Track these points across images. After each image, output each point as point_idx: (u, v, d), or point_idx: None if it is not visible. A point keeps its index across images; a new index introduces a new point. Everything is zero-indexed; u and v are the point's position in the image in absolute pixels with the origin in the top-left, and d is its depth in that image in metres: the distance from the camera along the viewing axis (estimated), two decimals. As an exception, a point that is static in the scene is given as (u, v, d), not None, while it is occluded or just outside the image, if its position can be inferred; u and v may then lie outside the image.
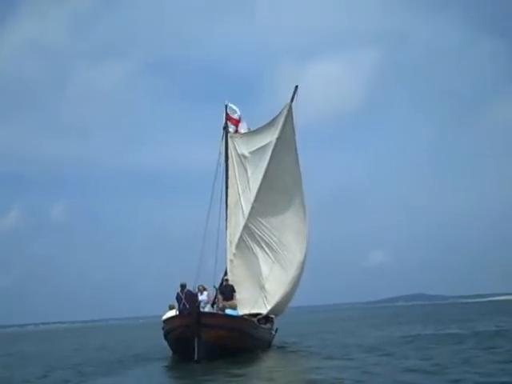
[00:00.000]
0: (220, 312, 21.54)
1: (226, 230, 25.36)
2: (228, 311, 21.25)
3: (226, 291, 22.79)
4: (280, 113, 24.54)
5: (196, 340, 18.65)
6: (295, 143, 24.49)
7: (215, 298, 23.83)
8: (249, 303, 23.80)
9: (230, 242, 25.26)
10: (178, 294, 21.26)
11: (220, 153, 25.92)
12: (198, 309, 19.71)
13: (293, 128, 24.31)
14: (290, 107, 24.25)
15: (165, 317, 21.64)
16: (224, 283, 23.44)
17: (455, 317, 47.08)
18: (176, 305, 21.23)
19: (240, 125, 26.50)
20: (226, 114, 26.44)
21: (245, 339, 20.59)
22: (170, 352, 21.82)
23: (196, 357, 18.53)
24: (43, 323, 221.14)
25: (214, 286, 24.04)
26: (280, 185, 24.69)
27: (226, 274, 24.97)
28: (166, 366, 20.11)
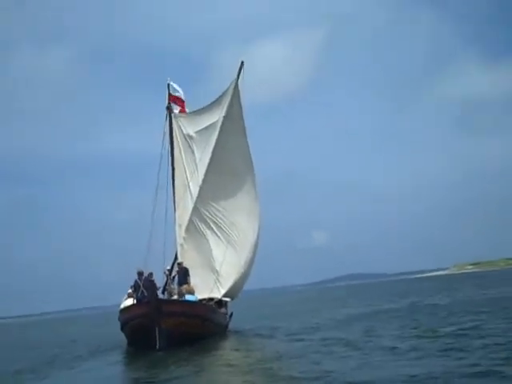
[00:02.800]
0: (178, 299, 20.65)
1: (175, 212, 24.41)
2: (187, 297, 20.41)
3: (181, 275, 21.90)
4: (226, 90, 23.73)
5: (157, 329, 17.80)
6: (243, 121, 23.71)
7: (166, 284, 22.98)
8: (202, 288, 22.96)
9: (180, 226, 24.35)
10: (135, 281, 20.26)
11: (164, 133, 24.88)
12: (157, 297, 18.85)
13: (240, 106, 23.52)
14: (237, 84, 23.44)
15: (122, 306, 20.51)
16: (178, 268, 22.42)
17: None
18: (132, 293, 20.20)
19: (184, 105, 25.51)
20: (169, 93, 25.38)
21: (205, 325, 19.93)
22: (125, 343, 20.81)
23: (158, 346, 17.68)
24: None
25: (165, 272, 23.11)
26: (229, 165, 23.90)
27: (176, 258, 24.12)
28: (127, 357, 19.08)
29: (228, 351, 18.24)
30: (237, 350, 18.16)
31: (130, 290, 21.10)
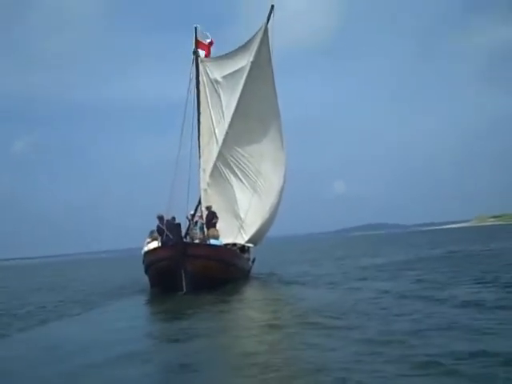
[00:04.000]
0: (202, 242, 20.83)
1: (200, 158, 24.38)
2: (212, 241, 20.57)
3: (208, 219, 22.00)
4: (255, 35, 23.27)
5: (183, 271, 18.03)
6: (272, 67, 23.30)
7: (188, 229, 23.15)
8: (226, 233, 23.10)
9: (204, 171, 24.34)
10: (158, 225, 20.40)
11: (191, 79, 24.64)
12: (182, 239, 19.01)
13: (269, 51, 23.07)
14: (266, 28, 22.99)
15: (146, 249, 20.73)
16: (208, 211, 22.43)
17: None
18: (158, 236, 20.36)
19: (211, 49, 25.15)
20: (196, 37, 25.03)
21: (229, 269, 20.10)
22: (148, 286, 21.10)
23: (184, 288, 17.93)
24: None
25: (187, 217, 23.26)
26: (256, 110, 23.65)
27: (199, 203, 24.23)
28: (153, 299, 19.32)
29: (252, 296, 18.47)
30: (258, 295, 18.39)
31: (148, 239, 21.21)
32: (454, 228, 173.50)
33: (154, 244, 20.35)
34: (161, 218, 20.51)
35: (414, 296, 13.64)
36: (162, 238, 20.02)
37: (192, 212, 23.64)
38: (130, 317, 14.55)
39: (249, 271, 23.62)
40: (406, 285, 16.37)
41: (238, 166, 24.12)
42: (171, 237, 19.33)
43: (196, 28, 25.15)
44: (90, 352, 9.86)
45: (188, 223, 23.40)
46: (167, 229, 19.79)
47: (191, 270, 18.01)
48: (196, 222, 23.62)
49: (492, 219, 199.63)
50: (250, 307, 15.07)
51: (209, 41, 25.10)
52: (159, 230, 20.23)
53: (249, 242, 23.85)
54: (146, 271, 20.73)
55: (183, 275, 17.98)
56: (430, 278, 17.81)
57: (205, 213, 22.52)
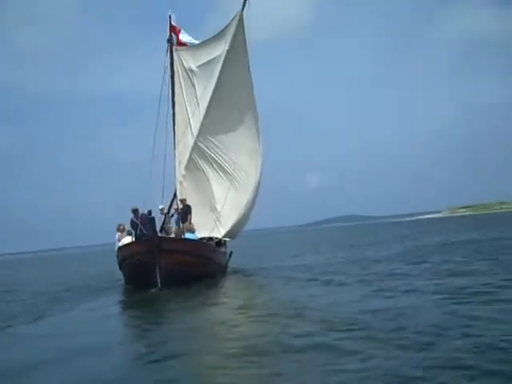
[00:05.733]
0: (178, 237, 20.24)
1: (175, 149, 23.74)
2: (187, 235, 19.99)
3: (183, 213, 21.42)
4: (230, 23, 22.65)
5: (158, 266, 17.43)
6: (248, 55, 22.68)
7: (163, 223, 22.56)
8: (202, 226, 22.54)
9: (179, 163, 23.71)
10: (131, 220, 19.70)
11: (165, 68, 23.94)
12: (157, 233, 18.42)
13: (244, 39, 22.45)
14: (241, 16, 22.37)
15: (120, 243, 20.04)
16: (182, 204, 21.86)
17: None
18: (131, 231, 19.69)
19: (181, 35, 24.34)
20: (170, 24, 24.31)
21: (205, 264, 19.54)
22: (122, 282, 20.51)
23: (159, 284, 17.34)
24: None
25: (161, 210, 22.54)
26: (232, 100, 23.04)
27: (175, 196, 23.62)
28: (127, 296, 18.74)
29: (228, 290, 18.02)
30: (237, 289, 17.95)
31: (117, 232, 20.57)
32: (425, 219, 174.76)
33: (128, 239, 19.66)
34: (135, 211, 19.84)
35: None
36: (135, 233, 19.35)
37: (162, 206, 22.88)
38: (102, 316, 13.95)
39: (226, 266, 23.05)
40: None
41: (213, 158, 23.53)
42: (145, 231, 18.71)
43: (170, 16, 24.39)
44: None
45: (163, 217, 22.79)
46: (141, 223, 19.16)
47: (166, 266, 17.42)
48: (171, 216, 23.04)
49: (463, 209, 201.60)
50: (225, 302, 14.69)
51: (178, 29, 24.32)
52: (133, 224, 19.55)
53: (225, 236, 23.31)
54: (120, 267, 20.09)
55: (158, 271, 17.37)
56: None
57: (180, 206, 21.91)
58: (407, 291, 12.80)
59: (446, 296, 11.49)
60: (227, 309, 13.41)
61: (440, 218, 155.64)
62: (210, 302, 14.68)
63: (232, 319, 11.52)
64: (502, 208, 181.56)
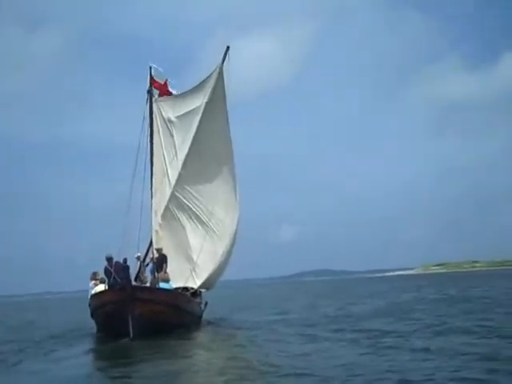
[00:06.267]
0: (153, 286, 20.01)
1: (152, 199, 23.73)
2: (162, 285, 19.78)
3: (158, 262, 21.26)
4: (210, 75, 23.13)
5: (130, 316, 17.14)
6: (226, 107, 23.11)
7: (139, 271, 22.30)
8: (178, 276, 22.34)
9: (156, 212, 23.69)
10: (105, 267, 19.47)
11: (144, 118, 24.16)
12: (131, 282, 18.20)
13: (224, 91, 22.91)
14: (221, 69, 22.86)
15: (93, 291, 19.75)
16: (158, 254, 21.73)
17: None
18: (105, 278, 19.42)
19: (166, 86, 24.65)
20: (151, 76, 24.60)
21: (179, 314, 19.33)
22: (94, 330, 20.15)
23: (131, 334, 17.02)
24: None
25: (137, 258, 22.30)
26: (209, 151, 23.30)
27: (150, 245, 23.45)
28: (98, 345, 18.36)
29: (200, 342, 17.72)
30: (210, 341, 17.67)
31: (91, 281, 20.34)
32: (399, 275, 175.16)
33: (101, 287, 19.39)
34: (109, 260, 19.62)
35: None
36: (109, 281, 19.10)
37: (139, 253, 22.70)
38: (72, 365, 13.67)
39: (200, 316, 22.77)
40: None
41: (190, 208, 23.57)
42: (118, 279, 18.49)
43: (151, 67, 24.72)
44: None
45: (138, 265, 22.56)
46: (115, 271, 18.94)
47: (139, 315, 17.14)
48: (147, 265, 22.82)
49: (436, 267, 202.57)
50: (197, 353, 14.57)
51: (163, 81, 24.62)
52: (106, 272, 19.31)
53: (201, 286, 23.12)
54: (92, 315, 19.76)
55: (130, 320, 17.07)
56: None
57: (156, 255, 21.77)
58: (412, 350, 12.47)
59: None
60: (195, 361, 13.17)
61: (413, 275, 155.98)
62: (180, 353, 14.40)
63: (199, 371, 11.29)
64: (474, 267, 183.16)
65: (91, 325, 20.36)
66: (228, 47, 22.94)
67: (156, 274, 20.87)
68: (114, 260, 19.63)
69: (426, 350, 12.16)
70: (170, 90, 24.47)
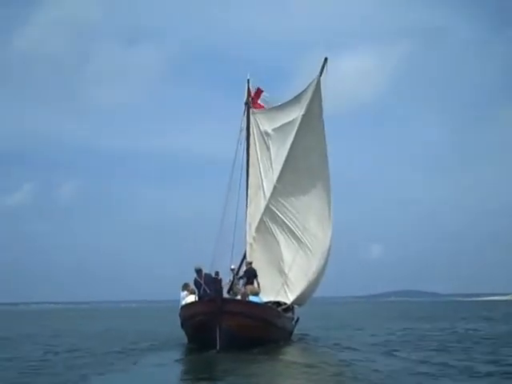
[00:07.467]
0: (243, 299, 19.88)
1: (247, 210, 23.73)
2: (251, 298, 19.60)
3: (248, 276, 21.17)
4: (307, 87, 22.83)
5: (218, 328, 17.06)
6: (323, 120, 22.75)
7: (232, 284, 22.26)
8: (269, 290, 22.12)
9: (250, 225, 23.62)
10: (195, 279, 19.55)
11: (241, 129, 24.28)
12: (221, 295, 18.12)
13: (321, 104, 22.56)
14: (319, 81, 22.51)
15: (183, 302, 19.93)
16: (247, 267, 21.70)
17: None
18: (196, 290, 19.54)
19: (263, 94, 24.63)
20: (248, 88, 24.70)
21: (269, 329, 19.04)
22: (185, 340, 20.29)
23: (218, 346, 16.94)
24: (36, 302, 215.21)
25: (232, 270, 22.35)
26: (304, 165, 22.97)
27: (244, 258, 23.42)
28: (185, 356, 18.45)
29: (290, 358, 17.31)
30: (302, 357, 17.24)
31: (182, 292, 20.40)
32: (494, 300, 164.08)
33: (192, 298, 19.51)
34: (198, 271, 19.68)
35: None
36: (199, 292, 19.17)
37: (233, 266, 22.79)
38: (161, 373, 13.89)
39: (291, 332, 22.42)
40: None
41: (284, 222, 23.27)
42: (208, 291, 18.49)
43: (249, 80, 24.83)
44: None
45: (232, 278, 22.57)
46: (205, 283, 18.96)
47: (226, 327, 17.06)
48: (240, 278, 22.77)
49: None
50: (283, 371, 14.20)
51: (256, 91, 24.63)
52: (196, 284, 19.40)
53: (294, 302, 22.76)
54: (182, 325, 19.92)
55: (218, 332, 17.00)
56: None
57: (243, 269, 21.79)
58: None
59: None
60: (280, 379, 12.80)
61: (506, 301, 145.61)
62: (264, 369, 14.14)
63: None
64: None
65: (182, 335, 20.49)
66: (326, 59, 22.62)
67: (244, 287, 20.75)
68: (203, 272, 19.69)
69: None
70: (260, 103, 24.41)
